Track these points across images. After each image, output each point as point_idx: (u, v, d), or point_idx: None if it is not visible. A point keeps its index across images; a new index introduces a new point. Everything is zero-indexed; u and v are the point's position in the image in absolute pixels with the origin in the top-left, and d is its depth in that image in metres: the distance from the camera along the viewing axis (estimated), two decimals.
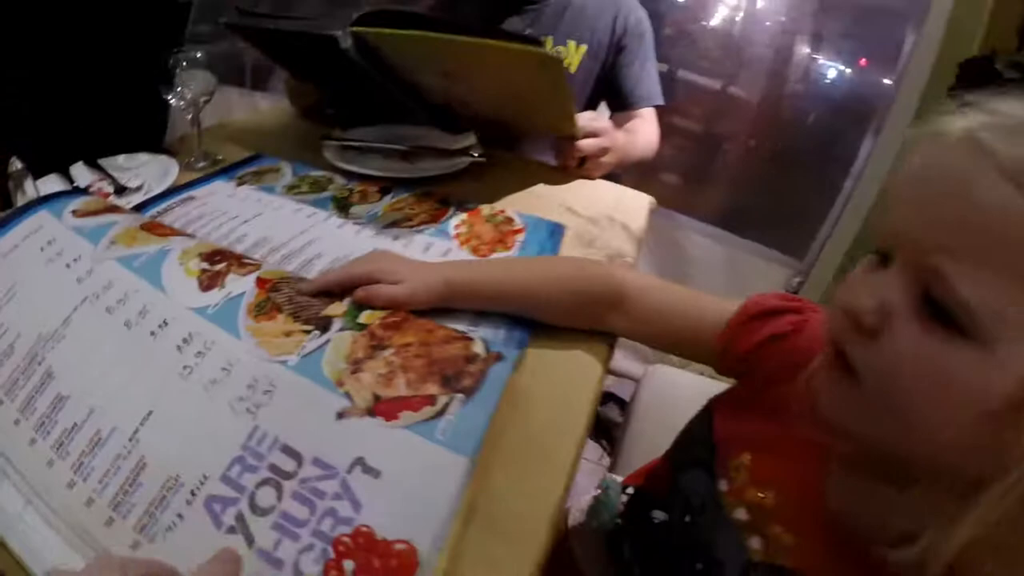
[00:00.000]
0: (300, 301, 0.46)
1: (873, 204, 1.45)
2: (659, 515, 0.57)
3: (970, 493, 0.35)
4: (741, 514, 0.49)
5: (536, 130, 1.00)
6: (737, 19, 2.07)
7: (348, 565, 0.35)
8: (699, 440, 0.56)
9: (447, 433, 0.40)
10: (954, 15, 1.27)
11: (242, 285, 0.47)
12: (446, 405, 0.41)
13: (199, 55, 0.79)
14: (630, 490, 0.64)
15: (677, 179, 2.06)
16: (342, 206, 0.73)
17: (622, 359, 1.67)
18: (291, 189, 0.76)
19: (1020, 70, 1.10)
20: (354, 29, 0.74)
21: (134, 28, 0.84)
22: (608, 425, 1.52)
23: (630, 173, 1.20)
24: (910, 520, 0.39)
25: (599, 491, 0.69)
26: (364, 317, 0.46)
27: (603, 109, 1.26)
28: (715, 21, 2.13)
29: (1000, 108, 0.34)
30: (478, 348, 0.45)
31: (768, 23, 1.96)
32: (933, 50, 1.30)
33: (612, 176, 0.99)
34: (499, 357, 0.45)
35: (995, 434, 0.34)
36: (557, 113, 0.85)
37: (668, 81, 1.92)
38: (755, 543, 0.47)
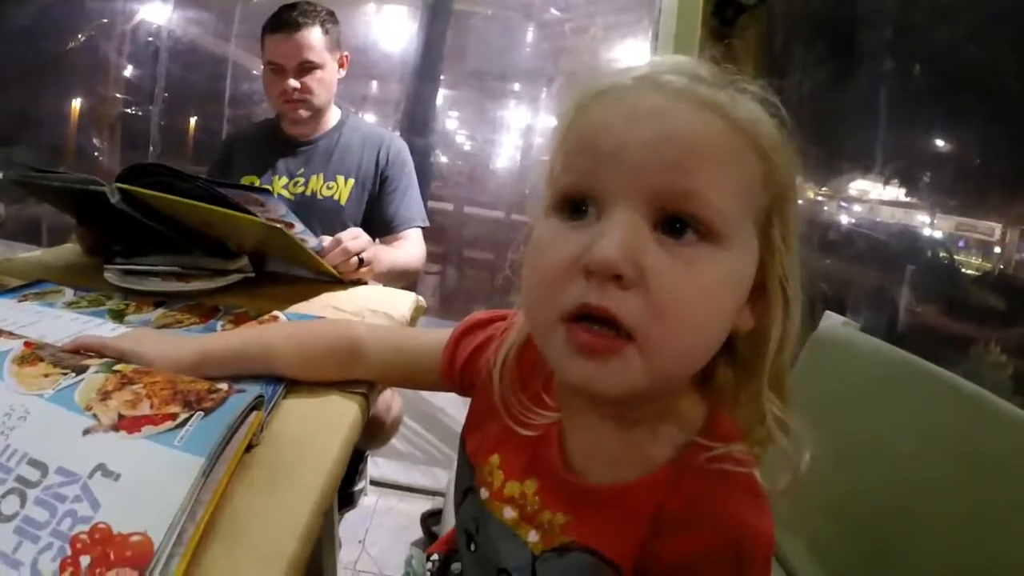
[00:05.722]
0: (61, 356, 0.53)
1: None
2: (456, 567, 0.58)
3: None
4: (509, 513, 0.48)
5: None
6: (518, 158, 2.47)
7: (84, 560, 0.39)
8: (461, 471, 0.56)
9: (184, 440, 0.46)
10: None
11: (10, 344, 0.54)
12: (186, 420, 0.47)
13: None
14: (435, 557, 0.65)
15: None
16: (117, 315, 0.81)
17: None
18: (71, 305, 0.83)
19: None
20: (118, 185, 0.85)
21: None
22: None
23: None
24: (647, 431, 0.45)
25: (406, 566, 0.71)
26: (120, 366, 0.53)
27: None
28: (501, 162, 2.50)
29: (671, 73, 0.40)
30: (222, 385, 0.54)
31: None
32: None
33: None
34: (240, 391, 0.53)
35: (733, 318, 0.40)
36: (307, 262, 0.98)
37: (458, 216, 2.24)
38: (533, 536, 0.47)
